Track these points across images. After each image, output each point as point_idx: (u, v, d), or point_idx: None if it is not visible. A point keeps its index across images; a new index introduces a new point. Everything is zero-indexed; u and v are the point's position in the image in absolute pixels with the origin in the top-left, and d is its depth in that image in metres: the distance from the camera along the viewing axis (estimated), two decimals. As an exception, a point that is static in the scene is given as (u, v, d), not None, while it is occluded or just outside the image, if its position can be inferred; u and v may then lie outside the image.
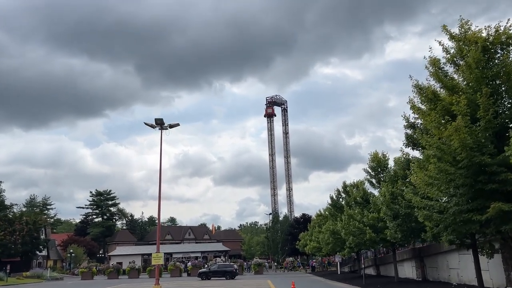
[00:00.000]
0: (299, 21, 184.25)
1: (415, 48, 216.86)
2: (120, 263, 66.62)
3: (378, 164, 28.17)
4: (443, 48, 13.42)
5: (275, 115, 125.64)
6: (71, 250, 72.27)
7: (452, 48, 13.53)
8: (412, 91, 14.69)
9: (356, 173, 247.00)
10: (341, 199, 38.76)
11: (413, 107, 14.59)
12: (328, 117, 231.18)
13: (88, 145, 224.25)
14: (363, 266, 31.40)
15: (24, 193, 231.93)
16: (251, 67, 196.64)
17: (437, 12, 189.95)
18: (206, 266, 52.30)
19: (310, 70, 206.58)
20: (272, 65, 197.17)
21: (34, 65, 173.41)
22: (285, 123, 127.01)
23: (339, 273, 45.36)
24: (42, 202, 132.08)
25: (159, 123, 26.06)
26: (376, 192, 28.32)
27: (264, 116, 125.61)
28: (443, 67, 13.54)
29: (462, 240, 15.13)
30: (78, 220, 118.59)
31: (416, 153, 18.68)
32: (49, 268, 60.29)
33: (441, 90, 13.67)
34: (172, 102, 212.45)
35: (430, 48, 13.49)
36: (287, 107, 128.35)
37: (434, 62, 13.27)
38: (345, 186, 38.27)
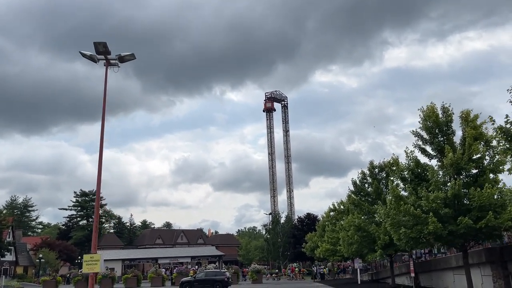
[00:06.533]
0: (300, 28, 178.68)
1: (413, 55, 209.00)
2: (96, 270, 56.96)
3: (436, 123, 18.89)
4: None
5: (275, 110, 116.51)
6: (41, 255, 62.68)
7: None
8: None
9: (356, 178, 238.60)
10: (366, 185, 29.35)
11: None
12: (327, 123, 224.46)
13: (88, 151, 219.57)
14: (412, 274, 21.99)
15: (22, 199, 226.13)
16: (252, 73, 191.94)
17: (436, 16, 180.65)
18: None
19: (310, 78, 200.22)
20: (273, 71, 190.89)
21: (35, 70, 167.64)
22: (285, 120, 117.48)
23: (359, 282, 35.74)
24: (23, 203, 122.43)
25: (103, 52, 16.49)
26: (434, 164, 18.88)
27: (263, 111, 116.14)
28: None
29: None
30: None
31: None
32: (3, 276, 50.63)
33: None
34: (171, 108, 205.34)
35: None
36: (287, 103, 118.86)
37: None
38: (372, 166, 28.93)
